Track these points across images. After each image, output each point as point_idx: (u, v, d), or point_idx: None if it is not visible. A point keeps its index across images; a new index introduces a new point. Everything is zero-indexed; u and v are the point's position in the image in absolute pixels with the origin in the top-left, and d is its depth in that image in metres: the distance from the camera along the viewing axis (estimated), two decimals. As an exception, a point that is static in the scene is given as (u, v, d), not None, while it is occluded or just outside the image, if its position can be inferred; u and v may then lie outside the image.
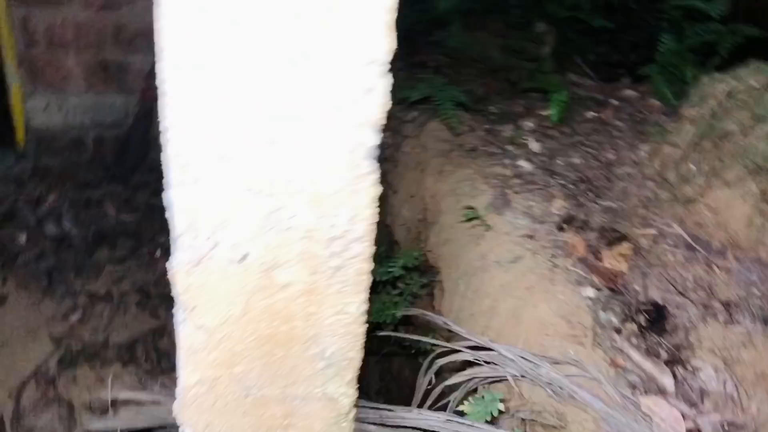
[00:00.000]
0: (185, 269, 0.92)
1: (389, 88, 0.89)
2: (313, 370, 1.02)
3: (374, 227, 0.96)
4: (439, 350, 1.64)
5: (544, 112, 2.45)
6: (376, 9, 0.82)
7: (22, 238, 3.10)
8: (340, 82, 0.86)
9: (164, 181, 0.99)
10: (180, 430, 1.04)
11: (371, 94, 0.87)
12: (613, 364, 1.48)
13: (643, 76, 2.78)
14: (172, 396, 1.83)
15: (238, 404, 1.01)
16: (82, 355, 2.56)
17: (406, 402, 1.64)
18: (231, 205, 0.89)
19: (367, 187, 0.93)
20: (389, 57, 0.87)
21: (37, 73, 3.43)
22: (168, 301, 2.98)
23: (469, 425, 1.40)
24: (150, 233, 3.18)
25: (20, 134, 3.59)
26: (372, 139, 0.90)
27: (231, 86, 0.83)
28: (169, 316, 2.87)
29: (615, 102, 2.71)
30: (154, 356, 2.55)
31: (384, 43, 0.83)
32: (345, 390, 1.05)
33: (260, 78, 0.83)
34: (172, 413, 1.72)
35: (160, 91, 0.91)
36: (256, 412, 1.02)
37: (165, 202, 0.91)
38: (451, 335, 1.78)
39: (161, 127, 0.92)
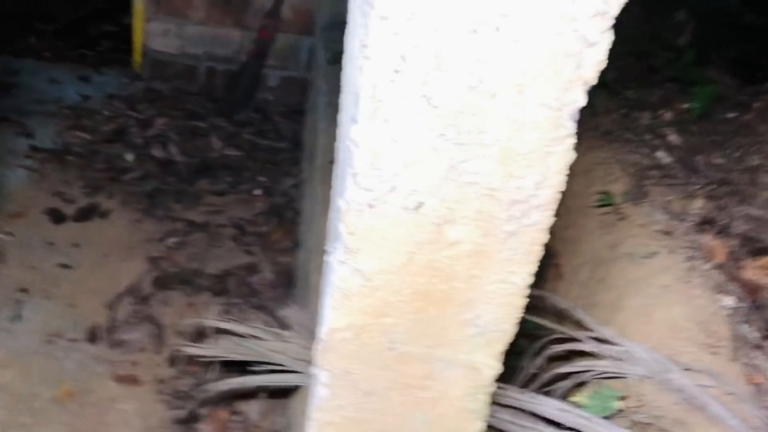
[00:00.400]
0: (357, 210, 0.87)
1: (610, 45, 0.81)
2: (463, 335, 0.97)
3: (559, 197, 0.89)
4: (555, 335, 1.57)
5: (683, 105, 2.29)
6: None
7: (130, 157, 3.17)
8: (557, 31, 0.78)
9: (343, 114, 0.95)
10: (314, 371, 1.01)
11: (591, 50, 0.80)
12: (751, 382, 1.38)
13: (792, 83, 2.57)
14: (270, 333, 1.83)
15: (381, 356, 0.97)
16: (176, 279, 2.61)
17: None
18: (418, 149, 0.84)
19: (563, 150, 0.86)
20: (618, 10, 0.79)
21: (163, -3, 3.47)
22: (262, 240, 2.95)
23: (586, 418, 1.33)
24: (251, 172, 3.19)
25: (137, 56, 3.65)
26: (581, 98, 0.82)
27: (440, 16, 0.76)
28: (263, 254, 2.86)
29: (758, 105, 2.52)
30: (245, 291, 2.57)
31: (619, -7, 0.75)
32: (491, 362, 0.99)
33: (472, 12, 0.76)
34: (275, 351, 1.72)
35: (357, 14, 0.86)
36: (396, 367, 0.98)
37: (350, 136, 0.86)
38: (561, 321, 1.70)
39: (354, 59, 0.87)
